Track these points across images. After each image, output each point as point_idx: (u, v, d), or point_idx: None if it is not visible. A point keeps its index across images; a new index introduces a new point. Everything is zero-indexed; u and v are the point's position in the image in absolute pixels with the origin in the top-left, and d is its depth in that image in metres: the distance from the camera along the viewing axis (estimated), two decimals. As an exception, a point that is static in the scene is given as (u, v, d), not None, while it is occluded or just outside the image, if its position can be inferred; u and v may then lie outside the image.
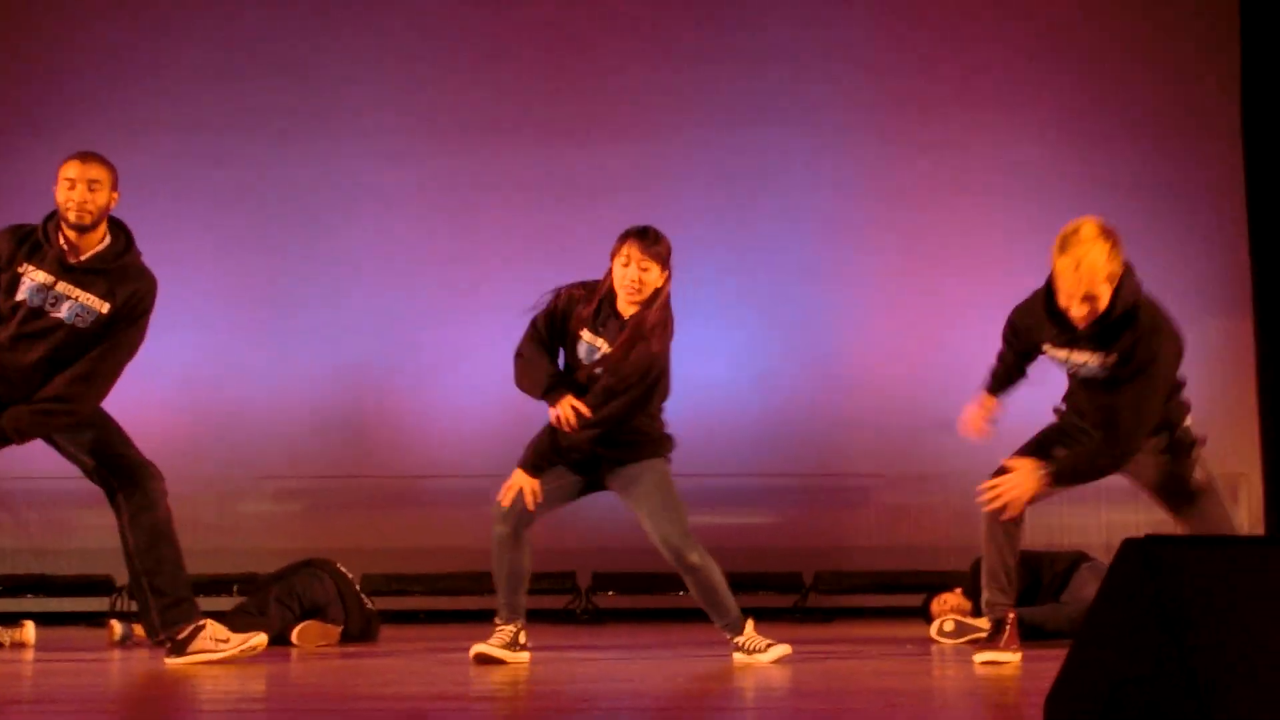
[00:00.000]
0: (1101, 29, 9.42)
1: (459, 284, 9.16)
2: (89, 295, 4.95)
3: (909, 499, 9.00)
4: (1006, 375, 5.26)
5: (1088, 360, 4.89)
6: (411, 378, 9.08)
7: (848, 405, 9.15)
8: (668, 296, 5.23)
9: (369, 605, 6.68)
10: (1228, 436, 8.74)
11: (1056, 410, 5.23)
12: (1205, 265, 9.09)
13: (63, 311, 4.92)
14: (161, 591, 4.92)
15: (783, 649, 4.97)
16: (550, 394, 5.06)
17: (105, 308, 4.95)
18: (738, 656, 5.06)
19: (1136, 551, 1.31)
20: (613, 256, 5.14)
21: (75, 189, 4.89)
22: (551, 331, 5.22)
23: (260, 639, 4.95)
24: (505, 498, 4.89)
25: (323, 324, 9.05)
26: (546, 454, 5.05)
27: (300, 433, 8.90)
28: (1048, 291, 4.83)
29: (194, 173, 9.13)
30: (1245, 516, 8.87)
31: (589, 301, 5.18)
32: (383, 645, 6.27)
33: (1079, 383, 5.04)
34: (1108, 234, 4.66)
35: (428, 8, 9.46)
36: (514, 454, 5.19)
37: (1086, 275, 4.59)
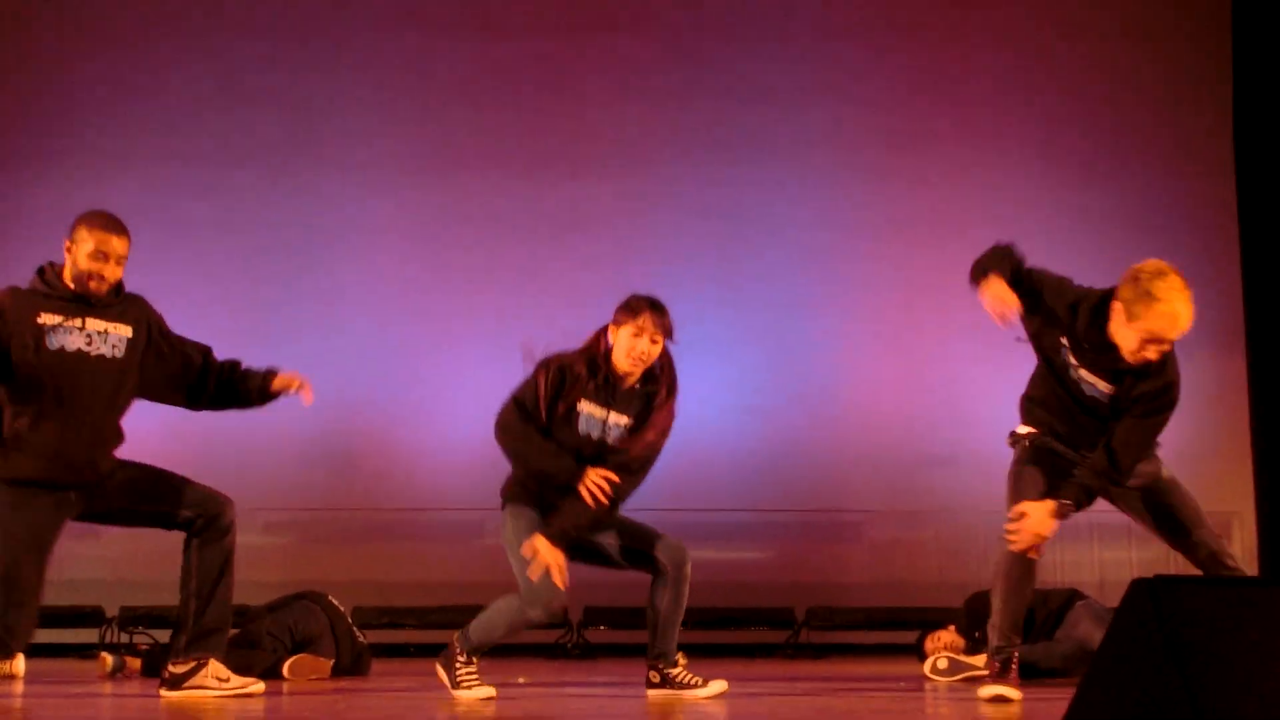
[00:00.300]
0: (1092, 65, 9.56)
1: (446, 316, 9.26)
2: (116, 324, 5.06)
3: (901, 534, 9.05)
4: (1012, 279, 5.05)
5: (1096, 383, 4.86)
6: (401, 410, 9.15)
7: (839, 440, 9.24)
8: (673, 371, 5.30)
9: (360, 639, 6.68)
10: (1221, 474, 8.83)
11: (1016, 439, 5.19)
12: (1197, 302, 9.10)
13: (104, 348, 5.03)
14: (203, 618, 5.01)
15: (721, 685, 4.96)
16: (577, 475, 4.97)
17: (129, 332, 5.10)
18: (654, 692, 5.08)
19: (1145, 591, 1.35)
20: (620, 324, 5.11)
21: (107, 263, 5.02)
22: (547, 407, 5.14)
23: (258, 686, 4.98)
24: (558, 578, 4.77)
25: (311, 356, 9.01)
26: (584, 529, 4.98)
27: (290, 465, 8.98)
28: (1098, 312, 4.75)
29: (183, 204, 9.24)
30: (1239, 554, 8.88)
31: (588, 372, 5.15)
32: (374, 679, 6.28)
33: (1074, 391, 4.98)
34: (1186, 283, 4.65)
35: (415, 45, 9.59)
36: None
37: (1180, 328, 4.64)
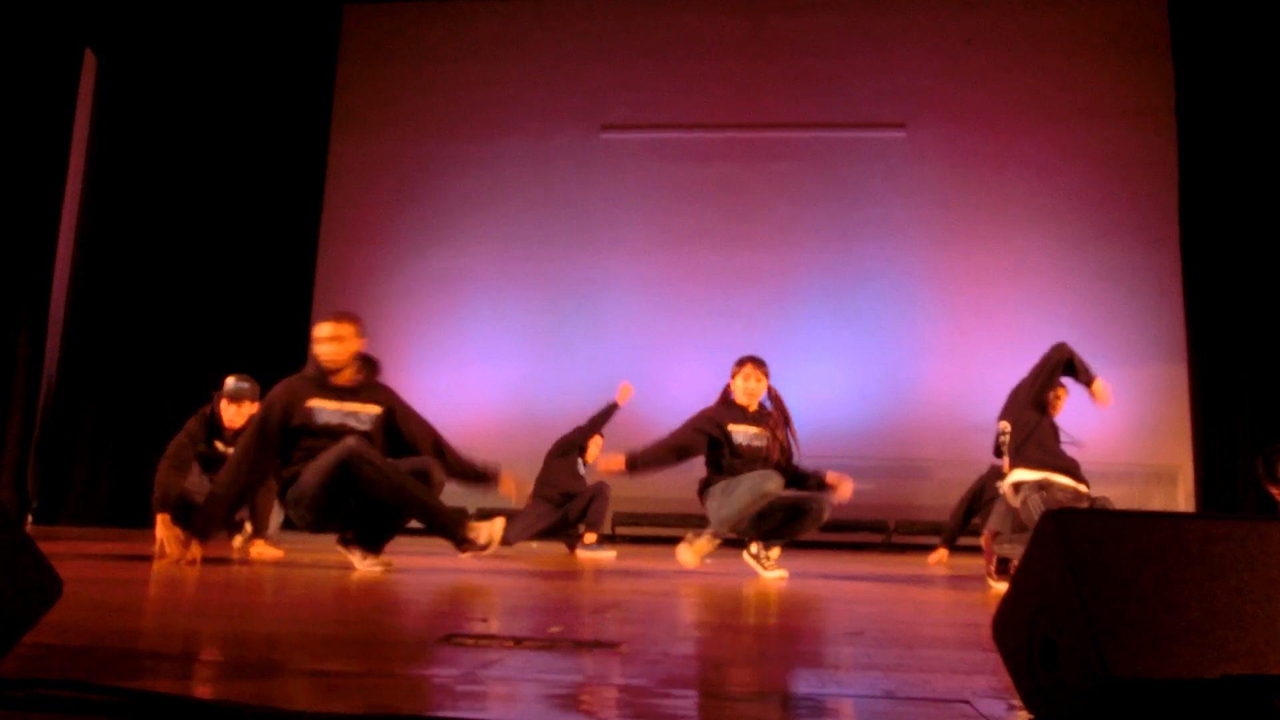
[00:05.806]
0: (1071, 150, 9.31)
1: (668, 335, 9.45)
2: (362, 406, 4.54)
3: (954, 474, 8.87)
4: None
5: None
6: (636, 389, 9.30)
7: (916, 414, 9.14)
8: (781, 403, 5.22)
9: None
10: (1165, 432, 8.40)
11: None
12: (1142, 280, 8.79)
13: (352, 422, 4.45)
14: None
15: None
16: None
17: (377, 411, 4.56)
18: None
19: (1051, 518, 1.47)
20: (734, 375, 5.16)
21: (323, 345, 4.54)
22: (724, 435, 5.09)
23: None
24: None
25: (587, 359, 9.42)
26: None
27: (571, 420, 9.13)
28: None
29: (514, 269, 9.62)
30: (1181, 500, 8.49)
31: (724, 408, 5.15)
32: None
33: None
34: None
35: (659, 170, 9.81)
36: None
37: None
